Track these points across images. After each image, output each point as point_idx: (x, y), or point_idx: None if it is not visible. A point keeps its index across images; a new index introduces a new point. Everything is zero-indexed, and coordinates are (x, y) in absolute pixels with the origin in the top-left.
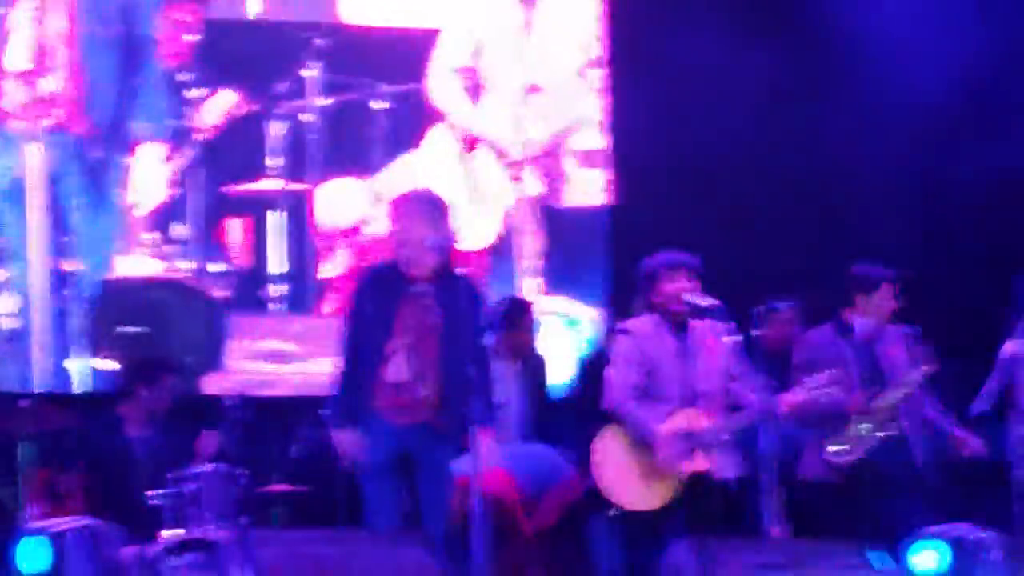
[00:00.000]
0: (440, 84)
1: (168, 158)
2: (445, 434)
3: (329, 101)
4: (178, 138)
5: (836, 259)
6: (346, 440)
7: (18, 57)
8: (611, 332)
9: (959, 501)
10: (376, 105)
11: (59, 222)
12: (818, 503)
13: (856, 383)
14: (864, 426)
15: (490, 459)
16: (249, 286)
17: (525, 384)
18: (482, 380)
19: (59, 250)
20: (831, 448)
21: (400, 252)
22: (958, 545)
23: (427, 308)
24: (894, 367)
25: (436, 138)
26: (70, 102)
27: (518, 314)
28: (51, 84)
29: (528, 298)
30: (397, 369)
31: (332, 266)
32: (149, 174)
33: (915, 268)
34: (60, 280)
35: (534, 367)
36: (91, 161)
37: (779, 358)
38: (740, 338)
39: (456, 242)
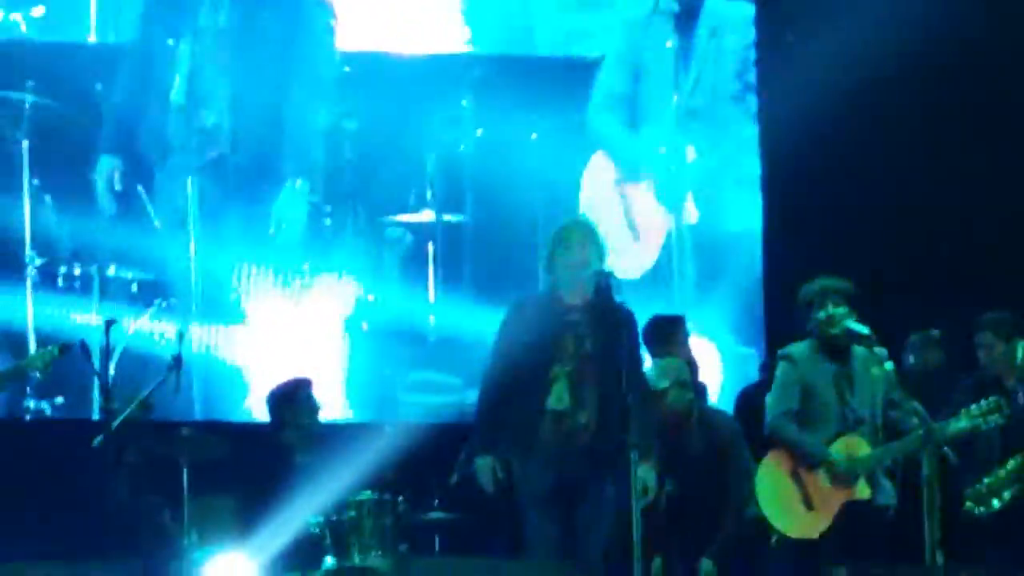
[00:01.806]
0: (599, 113)
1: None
2: (605, 461)
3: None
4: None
5: (992, 284)
6: (485, 468)
7: (180, 91)
8: (771, 358)
9: None
10: (535, 135)
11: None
12: (975, 531)
13: None
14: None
15: (648, 487)
16: (407, 317)
17: None
18: (640, 407)
19: (218, 282)
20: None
21: (562, 277)
22: None
23: (584, 336)
24: None
25: (595, 167)
26: (230, 134)
27: (667, 330)
28: (211, 117)
29: (676, 313)
30: (558, 397)
31: None
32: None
33: None
34: (219, 311)
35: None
36: (249, 192)
37: (934, 384)
38: (895, 365)
39: (612, 273)
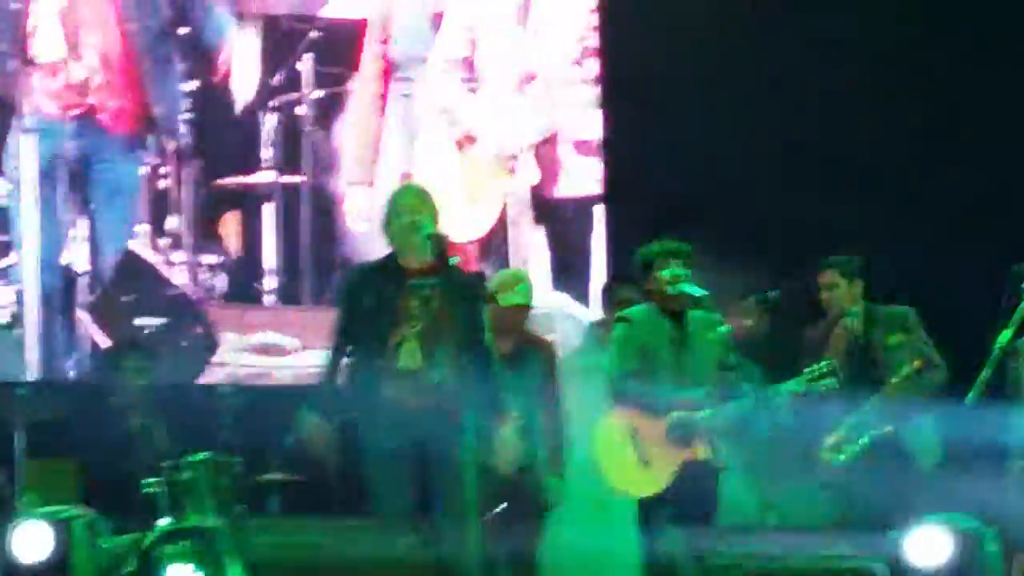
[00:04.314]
0: (436, 76)
1: None
2: (457, 421)
3: (322, 93)
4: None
5: (828, 245)
6: (321, 432)
7: (48, 47)
8: (608, 321)
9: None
10: None
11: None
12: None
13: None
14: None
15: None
16: (243, 279)
17: None
18: (490, 367)
19: (61, 240)
20: (826, 445)
21: (397, 243)
22: (957, 536)
23: (430, 297)
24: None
25: (431, 130)
26: (103, 87)
27: None
28: (83, 71)
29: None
30: (410, 356)
31: None
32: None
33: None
34: (59, 270)
35: None
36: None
37: (769, 347)
38: (732, 328)
39: (448, 236)
